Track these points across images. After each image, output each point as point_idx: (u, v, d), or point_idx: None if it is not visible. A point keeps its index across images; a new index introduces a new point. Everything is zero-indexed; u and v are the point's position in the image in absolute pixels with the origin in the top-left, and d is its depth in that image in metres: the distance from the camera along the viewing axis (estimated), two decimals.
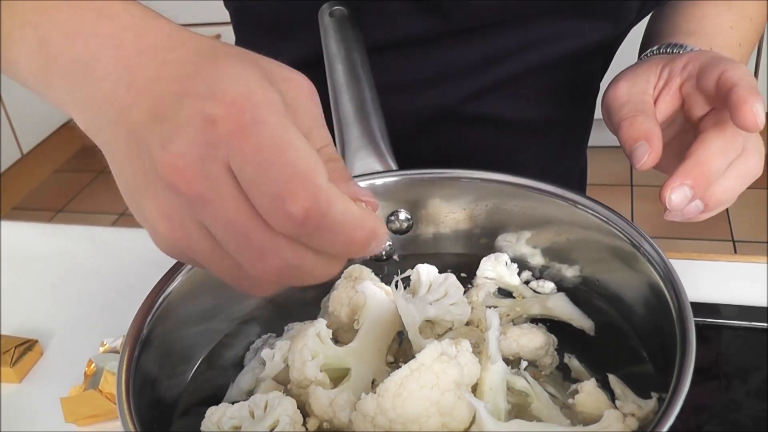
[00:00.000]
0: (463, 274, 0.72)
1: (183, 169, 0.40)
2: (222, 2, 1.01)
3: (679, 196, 0.61)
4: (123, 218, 3.05)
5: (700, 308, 0.72)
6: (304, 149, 0.41)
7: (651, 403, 0.59)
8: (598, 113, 1.05)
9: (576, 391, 0.60)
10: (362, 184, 0.72)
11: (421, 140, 0.95)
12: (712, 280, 0.75)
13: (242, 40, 1.02)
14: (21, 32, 0.49)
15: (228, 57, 0.44)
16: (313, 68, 0.63)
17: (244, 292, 0.46)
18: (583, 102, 1.03)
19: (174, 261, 0.64)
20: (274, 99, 0.42)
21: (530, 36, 0.89)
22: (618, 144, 0.66)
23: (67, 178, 3.54)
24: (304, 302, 0.73)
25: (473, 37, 0.88)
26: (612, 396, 0.61)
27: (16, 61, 0.50)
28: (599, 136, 1.14)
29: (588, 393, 0.60)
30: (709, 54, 0.69)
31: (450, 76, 0.91)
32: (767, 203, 2.68)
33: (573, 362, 0.65)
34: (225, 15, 1.02)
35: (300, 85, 0.47)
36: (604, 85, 1.02)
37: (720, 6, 0.88)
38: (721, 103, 0.63)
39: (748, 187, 0.65)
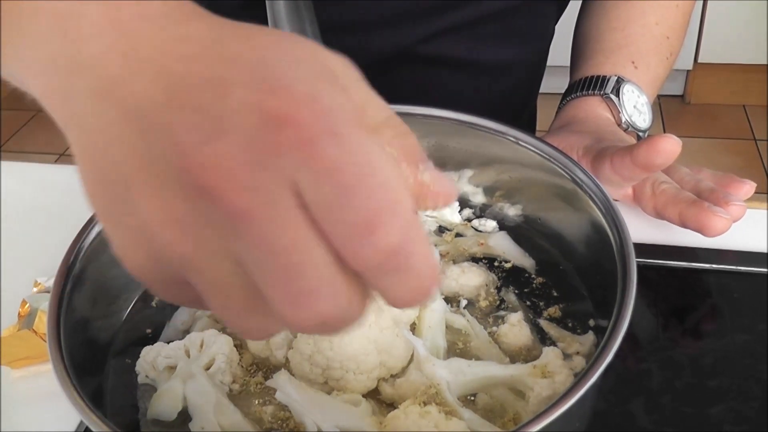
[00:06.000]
0: None
1: (227, 173, 0.32)
2: None
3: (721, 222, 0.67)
4: (63, 158, 2.99)
5: (641, 249, 0.72)
6: (392, 171, 0.33)
7: (590, 338, 0.59)
8: (550, 60, 1.06)
9: (502, 322, 0.61)
10: None
11: (375, 81, 0.94)
12: (655, 223, 0.75)
13: None
14: None
15: (265, 36, 0.35)
16: (253, 9, 0.61)
17: (243, 335, 0.37)
18: (538, 45, 1.03)
19: None
20: (345, 101, 0.34)
21: None
22: None
23: (5, 117, 3.44)
24: None
25: None
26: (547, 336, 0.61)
27: None
28: (551, 82, 1.13)
29: (511, 324, 0.60)
30: None
31: (408, 17, 0.90)
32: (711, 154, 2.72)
33: (510, 296, 0.65)
34: None
35: (343, 62, 0.37)
36: (558, 28, 1.03)
37: (646, 1, 0.91)
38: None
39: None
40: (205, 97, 0.33)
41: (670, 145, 0.65)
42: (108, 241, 0.36)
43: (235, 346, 0.59)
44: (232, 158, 0.32)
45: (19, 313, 0.74)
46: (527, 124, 1.12)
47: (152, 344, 0.60)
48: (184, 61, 0.34)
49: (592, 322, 0.61)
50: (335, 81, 0.34)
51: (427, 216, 0.71)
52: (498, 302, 0.65)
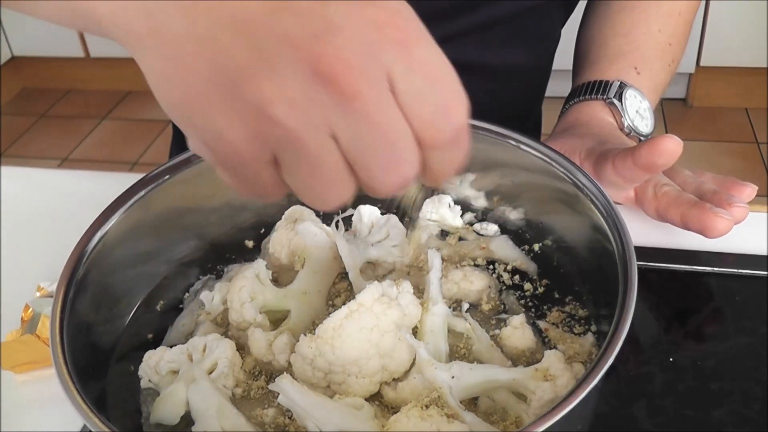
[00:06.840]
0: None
1: (345, 62, 0.38)
2: None
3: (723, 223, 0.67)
4: (65, 163, 2.99)
5: (642, 252, 0.72)
6: (454, 69, 0.42)
7: (592, 341, 0.59)
8: (556, 64, 1.06)
9: (504, 324, 0.61)
10: None
11: None
12: (657, 226, 0.75)
13: None
14: None
15: None
16: None
17: (320, 206, 0.43)
18: (545, 49, 1.03)
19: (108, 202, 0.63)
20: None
21: None
22: None
23: (7, 122, 3.45)
24: (244, 244, 0.72)
25: None
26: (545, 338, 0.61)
27: None
28: (554, 86, 1.13)
29: (514, 327, 0.60)
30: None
31: (421, 20, 0.90)
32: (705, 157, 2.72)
33: (511, 299, 0.65)
34: None
35: None
36: (564, 32, 1.03)
37: (650, 7, 0.92)
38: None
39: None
40: (309, 5, 0.38)
41: (672, 145, 0.65)
42: (188, 136, 0.42)
43: (238, 350, 0.59)
44: (347, 51, 0.38)
45: (22, 318, 0.74)
46: (533, 129, 1.12)
47: (155, 348, 0.60)
48: None
49: (593, 325, 0.61)
50: None
51: (429, 220, 0.71)
52: (500, 306, 0.65)
